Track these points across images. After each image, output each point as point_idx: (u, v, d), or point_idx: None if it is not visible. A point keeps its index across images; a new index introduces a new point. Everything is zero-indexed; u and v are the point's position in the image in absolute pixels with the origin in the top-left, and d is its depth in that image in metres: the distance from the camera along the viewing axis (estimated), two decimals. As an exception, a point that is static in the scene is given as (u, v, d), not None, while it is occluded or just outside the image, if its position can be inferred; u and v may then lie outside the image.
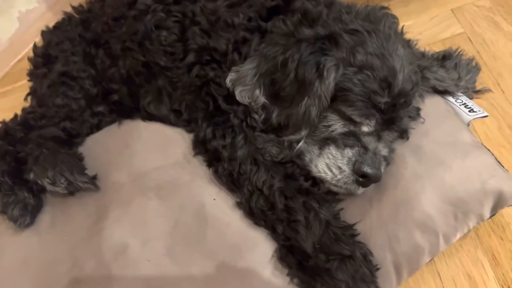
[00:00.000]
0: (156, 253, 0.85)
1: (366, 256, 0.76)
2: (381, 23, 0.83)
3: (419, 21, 1.42)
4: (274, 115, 0.84)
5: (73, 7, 1.26)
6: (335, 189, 0.81)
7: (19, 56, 2.01)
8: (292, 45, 0.81)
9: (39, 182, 0.94)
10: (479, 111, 0.93)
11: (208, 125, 0.92)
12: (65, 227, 0.94)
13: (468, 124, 0.93)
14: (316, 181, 0.83)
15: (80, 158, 1.03)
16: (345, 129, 0.80)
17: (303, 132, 0.80)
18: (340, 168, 0.78)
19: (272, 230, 0.82)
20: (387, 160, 0.81)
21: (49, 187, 0.94)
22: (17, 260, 0.92)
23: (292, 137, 0.81)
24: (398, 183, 0.83)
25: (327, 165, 0.79)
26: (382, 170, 0.79)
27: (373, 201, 0.83)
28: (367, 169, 0.76)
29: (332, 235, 0.76)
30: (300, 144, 0.81)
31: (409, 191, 0.82)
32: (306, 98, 0.78)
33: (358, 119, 0.79)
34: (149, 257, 0.85)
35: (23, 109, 1.14)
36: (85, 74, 1.12)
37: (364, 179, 0.77)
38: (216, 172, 0.91)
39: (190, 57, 0.96)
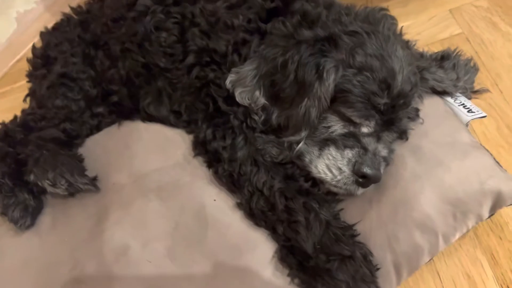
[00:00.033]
0: (157, 254, 0.85)
1: (366, 256, 0.76)
2: (380, 25, 0.83)
3: (417, 22, 1.43)
4: (274, 116, 0.84)
5: (72, 8, 1.26)
6: (335, 189, 0.82)
7: (18, 57, 2.00)
8: (291, 47, 0.81)
9: (40, 183, 0.94)
10: (478, 111, 0.93)
11: (208, 126, 0.92)
12: (66, 228, 0.94)
13: (466, 125, 0.93)
14: (316, 182, 0.83)
15: (80, 160, 1.03)
16: (345, 130, 0.80)
17: (303, 133, 0.80)
18: (340, 169, 0.79)
19: (272, 231, 0.82)
20: (387, 161, 0.82)
21: (49, 189, 0.94)
22: (18, 261, 0.92)
23: (292, 138, 0.82)
24: (397, 184, 0.83)
25: (327, 166, 0.80)
26: (382, 170, 0.79)
27: (372, 202, 0.83)
28: (367, 170, 0.76)
29: (332, 236, 0.77)
30: (300, 145, 0.81)
31: (408, 191, 0.82)
32: (306, 99, 0.78)
33: (357, 120, 0.79)
34: (150, 258, 0.85)
35: (23, 111, 1.13)
36: (84, 75, 1.12)
37: (363, 179, 0.78)
38: (216, 173, 0.91)
39: (190, 59, 0.96)
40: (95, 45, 1.14)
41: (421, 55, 1.04)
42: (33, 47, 1.24)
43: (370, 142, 0.79)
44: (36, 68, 1.20)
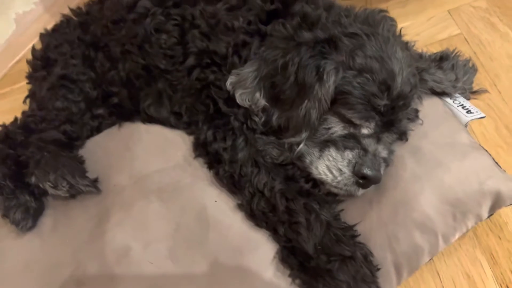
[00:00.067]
0: (158, 256, 0.85)
1: (367, 256, 0.77)
2: (380, 26, 0.84)
3: (416, 22, 1.43)
4: (274, 118, 0.85)
5: (71, 10, 1.26)
6: (335, 190, 0.82)
7: (17, 58, 2.01)
8: (292, 49, 0.82)
9: (41, 185, 0.94)
10: (477, 112, 0.94)
11: (208, 128, 0.92)
12: (67, 230, 0.95)
13: (466, 125, 0.94)
14: (317, 183, 0.84)
15: (81, 161, 1.03)
16: (345, 132, 0.81)
17: (304, 135, 0.81)
18: (340, 170, 0.79)
19: (273, 232, 0.83)
20: (387, 162, 0.82)
21: (51, 191, 0.95)
22: (20, 263, 0.92)
23: (292, 139, 0.82)
24: (397, 184, 0.84)
25: (327, 167, 0.80)
26: (382, 171, 0.80)
27: (373, 202, 0.84)
28: (367, 171, 0.77)
29: (333, 236, 0.77)
30: (301, 146, 0.82)
31: (408, 192, 0.82)
32: (306, 101, 0.79)
33: (358, 122, 0.80)
34: (152, 259, 0.85)
35: (23, 112, 1.13)
36: (84, 77, 1.12)
37: (364, 180, 0.78)
38: (217, 174, 0.91)
39: (190, 60, 0.96)
40: (95, 46, 1.14)
41: (420, 56, 1.05)
42: (33, 48, 1.24)
43: (370, 143, 0.80)
44: (36, 69, 1.21)
